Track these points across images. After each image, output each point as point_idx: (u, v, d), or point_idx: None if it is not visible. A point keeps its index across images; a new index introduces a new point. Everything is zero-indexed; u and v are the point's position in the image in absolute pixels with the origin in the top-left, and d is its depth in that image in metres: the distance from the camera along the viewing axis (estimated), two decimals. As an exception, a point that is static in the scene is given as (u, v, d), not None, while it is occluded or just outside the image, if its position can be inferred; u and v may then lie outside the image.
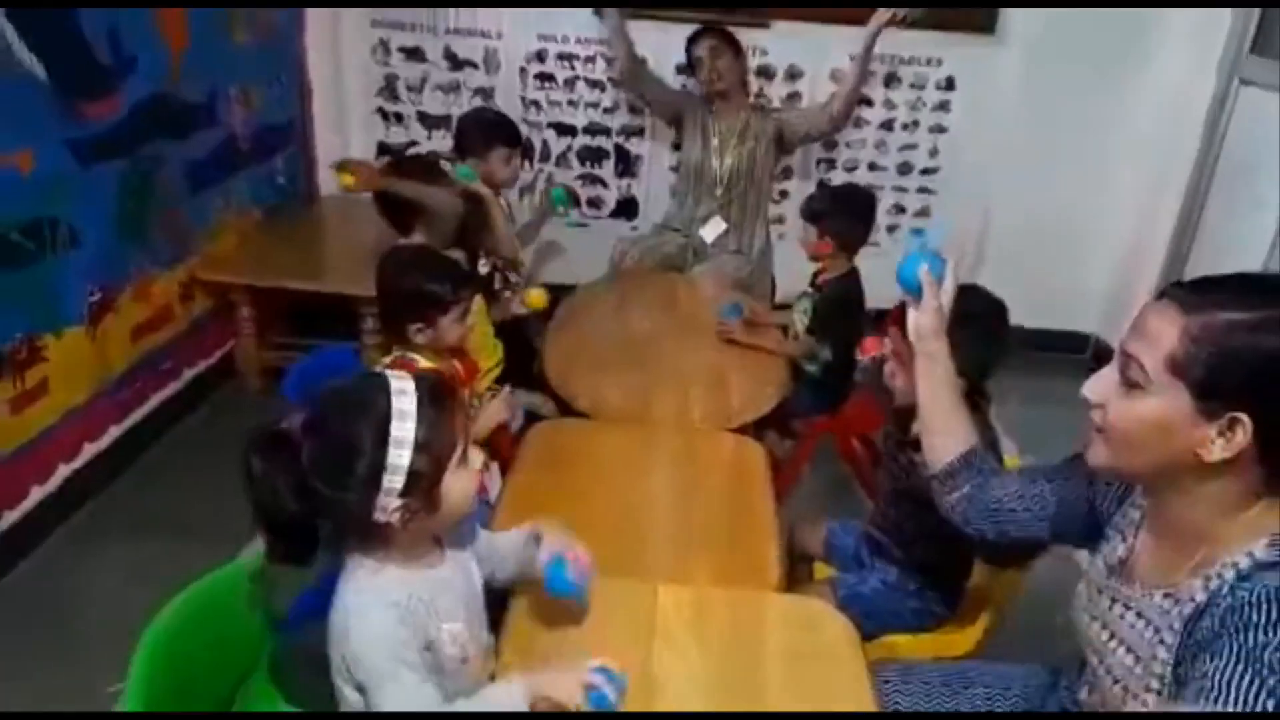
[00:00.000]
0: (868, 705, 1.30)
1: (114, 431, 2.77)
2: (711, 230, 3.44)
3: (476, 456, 1.24)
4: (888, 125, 3.94)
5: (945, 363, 1.39)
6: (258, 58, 3.47)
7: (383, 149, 4.05)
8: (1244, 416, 0.96)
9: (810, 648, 1.40)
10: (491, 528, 1.53)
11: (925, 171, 4.01)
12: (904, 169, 4.02)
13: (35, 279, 2.38)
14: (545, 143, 4.00)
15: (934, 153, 3.97)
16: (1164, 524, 1.13)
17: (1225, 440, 0.98)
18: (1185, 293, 1.03)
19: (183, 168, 3.02)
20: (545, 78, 3.91)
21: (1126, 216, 3.86)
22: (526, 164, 3.94)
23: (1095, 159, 3.82)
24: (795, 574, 2.04)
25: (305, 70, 3.89)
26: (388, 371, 1.22)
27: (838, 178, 3.96)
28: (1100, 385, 1.08)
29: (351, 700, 1.19)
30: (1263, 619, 0.93)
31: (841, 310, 2.66)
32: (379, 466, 1.13)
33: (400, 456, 1.13)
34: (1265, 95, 3.26)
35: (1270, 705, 0.89)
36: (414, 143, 4.02)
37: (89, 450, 2.67)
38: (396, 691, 1.13)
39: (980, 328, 1.73)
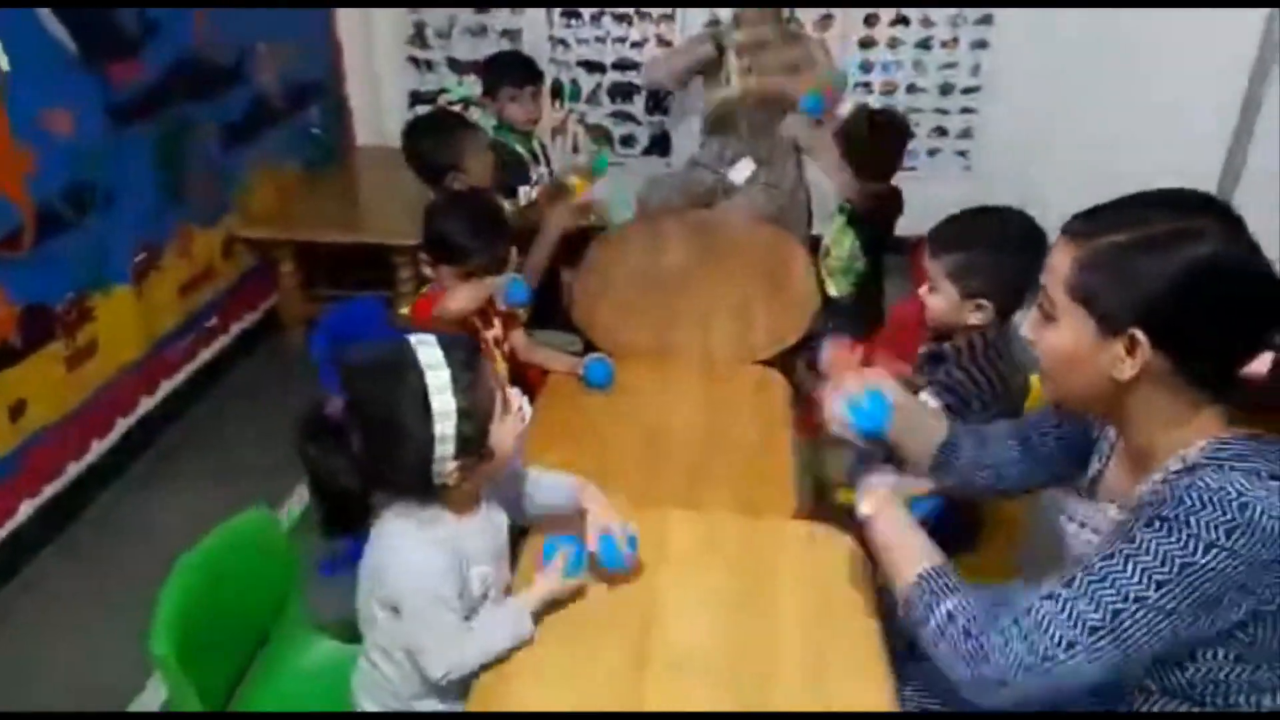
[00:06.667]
0: (873, 622, 1.31)
1: (166, 386, 2.89)
2: (741, 171, 3.33)
3: (513, 397, 1.29)
4: (925, 44, 3.80)
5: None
6: (285, 15, 3.48)
7: (415, 97, 4.07)
8: (1139, 333, 1.01)
9: (818, 570, 1.42)
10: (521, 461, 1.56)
11: (966, 91, 3.87)
12: (945, 89, 3.88)
13: (79, 242, 2.46)
14: (575, 81, 3.96)
15: (975, 70, 3.82)
16: (1124, 445, 1.17)
17: (1131, 358, 1.02)
18: (1076, 223, 1.08)
19: (216, 127, 3.08)
20: (571, 15, 3.85)
21: (1178, 129, 3.59)
22: (557, 104, 3.91)
23: (1146, 70, 3.55)
24: (823, 502, 2.05)
25: (334, 22, 3.90)
26: (410, 339, 1.22)
27: (874, 102, 3.82)
28: (1030, 323, 1.14)
29: (380, 619, 1.27)
30: (1147, 521, 0.99)
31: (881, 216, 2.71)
32: (429, 441, 1.17)
33: (447, 427, 1.18)
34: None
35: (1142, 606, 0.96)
36: (444, 90, 4.02)
37: (145, 404, 2.79)
38: (434, 619, 1.22)
39: (1021, 255, 1.66)
